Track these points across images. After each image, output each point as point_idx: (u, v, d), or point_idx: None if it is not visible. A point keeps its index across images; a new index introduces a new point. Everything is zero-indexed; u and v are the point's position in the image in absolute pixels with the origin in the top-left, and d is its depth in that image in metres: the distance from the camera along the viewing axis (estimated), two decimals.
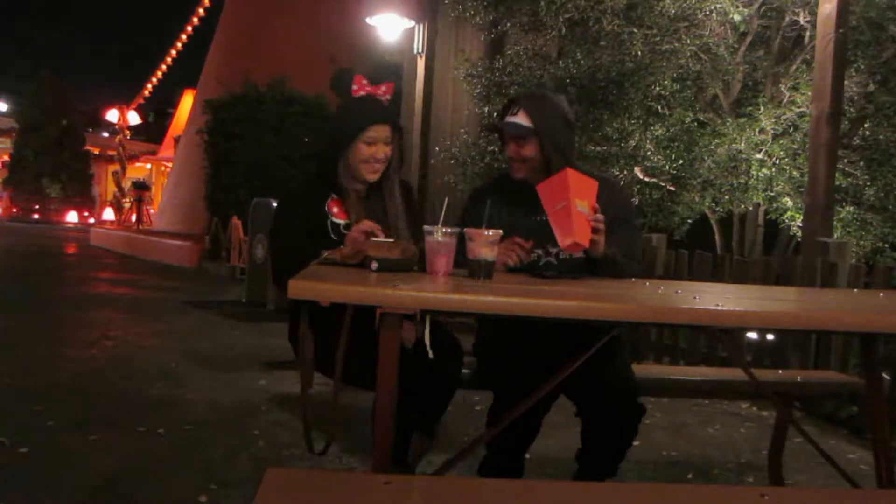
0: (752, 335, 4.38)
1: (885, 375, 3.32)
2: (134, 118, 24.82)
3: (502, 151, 2.32)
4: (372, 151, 2.16)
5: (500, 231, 1.84)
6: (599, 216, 2.00)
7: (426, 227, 1.86)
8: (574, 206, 1.89)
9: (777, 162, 5.74)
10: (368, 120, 2.16)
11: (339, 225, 2.16)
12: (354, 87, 2.19)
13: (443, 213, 1.97)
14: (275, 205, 7.44)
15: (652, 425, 3.62)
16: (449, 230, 1.81)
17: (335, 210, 2.18)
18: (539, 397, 1.89)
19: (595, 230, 1.98)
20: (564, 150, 2.21)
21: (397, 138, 2.24)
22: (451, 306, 1.59)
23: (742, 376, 2.34)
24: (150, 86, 30.29)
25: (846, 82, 5.05)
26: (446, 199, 2.06)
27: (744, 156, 5.81)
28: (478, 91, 7.06)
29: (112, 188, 26.62)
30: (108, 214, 25.24)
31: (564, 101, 2.32)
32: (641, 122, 6.11)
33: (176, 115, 29.14)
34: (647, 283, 2.11)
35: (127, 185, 23.68)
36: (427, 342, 2.02)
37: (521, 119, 2.20)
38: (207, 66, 18.99)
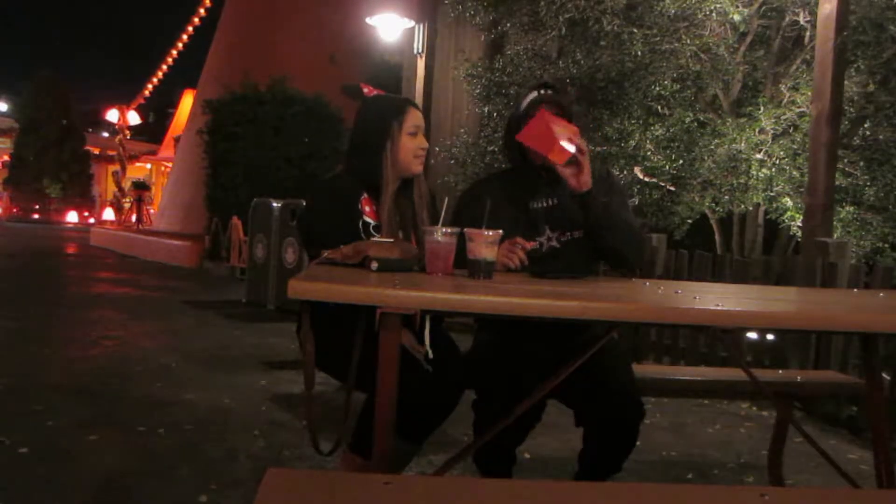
0: (752, 335, 4.38)
1: (885, 375, 3.32)
2: (134, 118, 24.79)
3: (514, 144, 2.27)
4: (417, 143, 2.17)
5: (501, 231, 1.84)
6: (581, 143, 2.07)
7: (426, 228, 1.86)
8: (552, 130, 2.03)
9: (777, 162, 5.74)
10: (404, 103, 2.20)
11: (369, 224, 2.11)
12: (365, 90, 2.23)
13: (442, 213, 1.97)
14: (275, 204, 7.41)
15: (652, 425, 3.62)
16: (449, 230, 1.81)
17: (367, 209, 2.13)
18: (539, 397, 1.88)
19: (577, 157, 2.06)
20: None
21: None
22: (451, 306, 1.59)
23: (742, 376, 2.34)
24: (150, 86, 30.26)
25: (846, 82, 5.05)
26: (446, 199, 2.06)
27: (744, 156, 5.81)
28: (478, 91, 7.07)
29: (112, 188, 26.62)
30: (108, 214, 25.24)
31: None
32: (641, 122, 6.11)
33: (176, 115, 29.15)
34: (647, 283, 2.11)
35: (127, 185, 23.67)
36: (427, 342, 2.02)
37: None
38: (207, 66, 18.99)
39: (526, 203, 2.25)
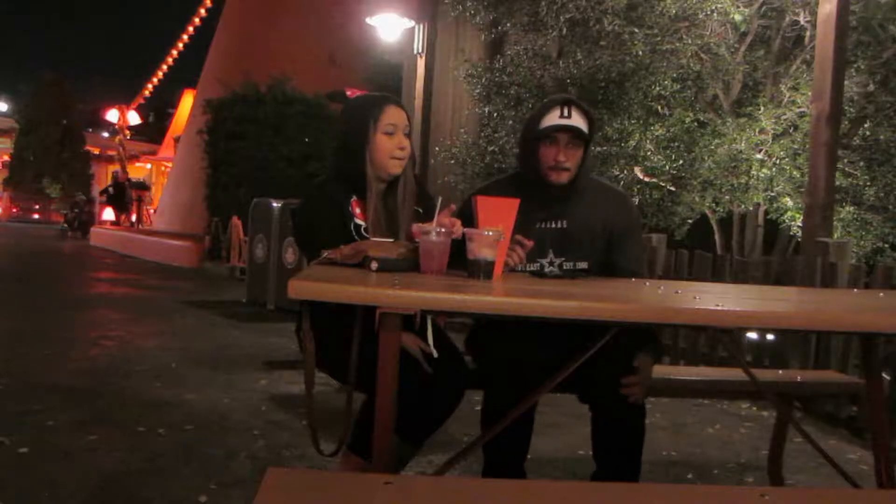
0: (752, 335, 4.38)
1: (885, 375, 3.32)
2: (134, 118, 24.83)
3: (528, 156, 2.21)
4: (395, 143, 2.07)
5: (501, 230, 1.83)
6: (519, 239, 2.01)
7: (420, 226, 1.84)
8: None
9: (777, 162, 5.74)
10: (382, 101, 2.11)
11: (361, 226, 2.07)
12: (349, 93, 2.19)
13: (437, 212, 1.97)
14: (275, 204, 7.39)
15: (652, 425, 3.59)
16: (443, 230, 1.80)
17: (357, 211, 2.09)
18: (539, 396, 1.88)
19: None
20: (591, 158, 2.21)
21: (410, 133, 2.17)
22: (451, 306, 1.59)
23: (742, 376, 2.34)
24: (150, 86, 30.30)
25: (846, 82, 5.05)
26: (440, 198, 2.06)
27: (744, 156, 5.81)
28: (478, 91, 7.08)
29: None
30: (108, 214, 25.24)
31: None
32: (641, 122, 6.11)
33: (176, 115, 29.15)
34: (647, 283, 2.11)
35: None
36: (430, 341, 2.02)
37: (579, 122, 2.12)
38: (207, 66, 19.01)
39: (534, 219, 2.17)
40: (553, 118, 2.14)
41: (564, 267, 2.19)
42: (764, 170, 5.73)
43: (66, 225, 20.80)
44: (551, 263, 2.19)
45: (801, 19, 5.57)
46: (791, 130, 5.81)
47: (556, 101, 2.17)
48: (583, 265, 2.20)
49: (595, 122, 2.20)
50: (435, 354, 1.98)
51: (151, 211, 23.02)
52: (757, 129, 5.80)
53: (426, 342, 2.00)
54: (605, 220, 2.22)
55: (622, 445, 2.11)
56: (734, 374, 2.66)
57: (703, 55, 5.89)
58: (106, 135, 33.55)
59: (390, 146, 2.07)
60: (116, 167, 24.84)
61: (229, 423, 3.38)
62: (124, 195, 20.71)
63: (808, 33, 5.60)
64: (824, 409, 3.94)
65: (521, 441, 2.15)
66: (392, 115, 2.08)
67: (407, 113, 2.15)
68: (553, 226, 2.20)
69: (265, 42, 16.62)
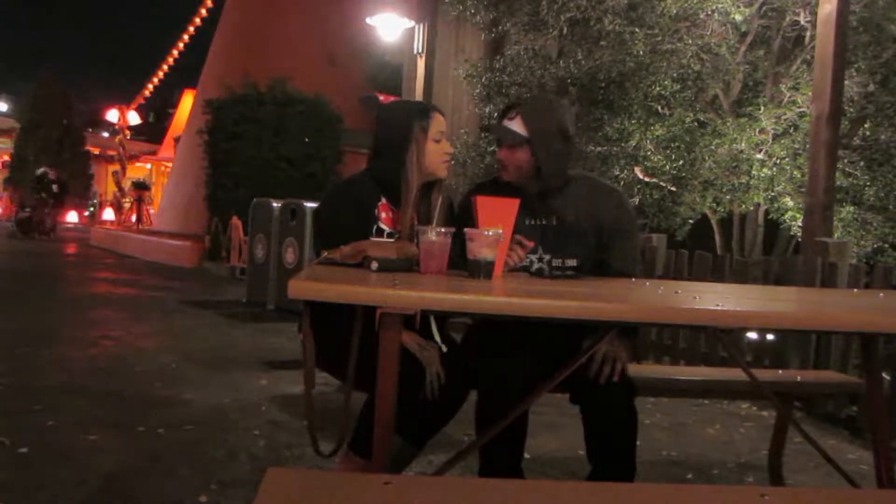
0: (752, 335, 4.38)
1: (885, 375, 3.32)
2: (134, 118, 24.77)
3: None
4: (442, 148, 2.16)
5: (501, 230, 1.83)
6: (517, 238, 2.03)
7: (419, 227, 1.85)
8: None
9: (777, 162, 5.75)
10: (429, 109, 2.17)
11: (383, 232, 2.09)
12: (381, 98, 2.22)
13: (436, 212, 1.97)
14: (275, 204, 7.34)
15: (652, 425, 3.62)
16: (443, 230, 1.81)
17: (383, 216, 2.11)
18: (537, 398, 1.88)
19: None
20: (557, 160, 2.16)
21: None
22: (451, 306, 1.59)
23: (742, 376, 2.34)
24: (150, 86, 30.25)
25: (846, 82, 5.05)
26: (440, 199, 2.06)
27: (744, 156, 5.82)
28: (478, 91, 7.09)
29: (112, 188, 26.61)
30: (108, 214, 25.23)
31: (569, 110, 2.27)
32: (642, 122, 6.12)
33: (176, 115, 29.15)
34: (647, 283, 2.11)
35: (127, 185, 23.67)
36: (437, 337, 2.02)
37: (517, 125, 2.17)
38: (207, 66, 18.99)
39: (523, 217, 2.17)
40: (501, 120, 2.23)
41: (553, 264, 2.20)
42: (764, 170, 5.74)
43: (16, 226, 17.65)
44: (540, 260, 2.20)
45: (801, 19, 5.57)
46: (791, 130, 5.81)
47: (510, 105, 2.26)
48: (572, 262, 2.20)
49: (544, 128, 2.16)
50: (444, 349, 1.99)
51: (151, 211, 23.00)
52: (757, 129, 5.81)
53: (432, 341, 2.01)
54: (594, 216, 2.22)
55: (614, 446, 2.11)
56: (734, 374, 2.66)
57: (703, 55, 5.89)
58: (106, 135, 33.52)
59: (439, 151, 2.15)
60: (116, 167, 24.83)
61: (229, 423, 3.38)
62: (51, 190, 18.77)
63: (808, 33, 5.61)
64: (824, 409, 3.94)
65: (516, 442, 2.16)
66: (440, 123, 2.17)
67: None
68: (541, 223, 2.21)
69: (265, 42, 16.60)
